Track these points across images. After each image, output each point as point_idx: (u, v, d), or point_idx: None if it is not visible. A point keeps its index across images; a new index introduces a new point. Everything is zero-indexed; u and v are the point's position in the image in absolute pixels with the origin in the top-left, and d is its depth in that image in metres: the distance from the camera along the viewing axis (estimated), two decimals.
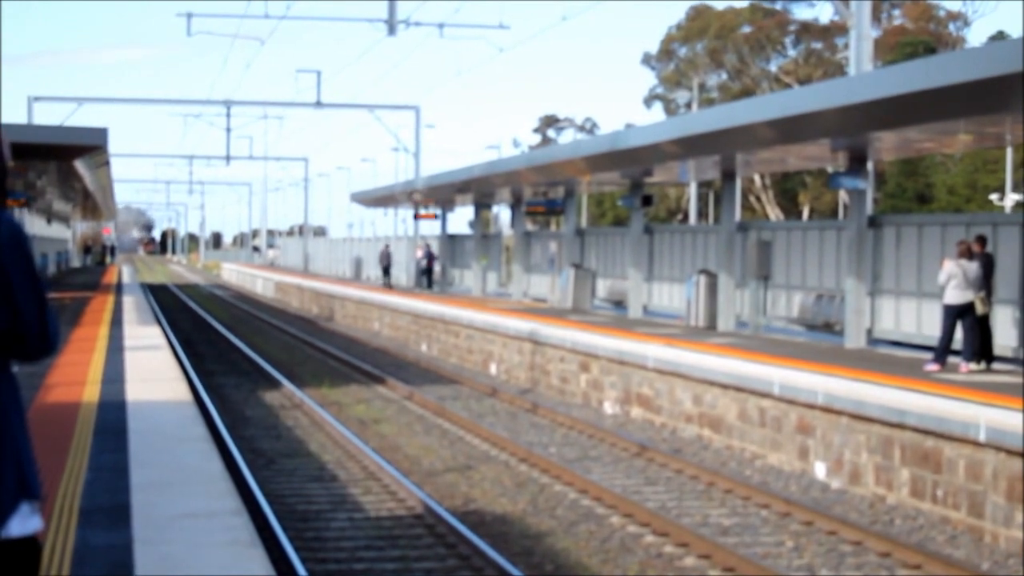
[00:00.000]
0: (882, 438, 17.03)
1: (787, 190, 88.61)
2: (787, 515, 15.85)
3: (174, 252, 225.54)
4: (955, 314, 20.06)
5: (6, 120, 38.95)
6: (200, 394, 25.96)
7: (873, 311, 26.05)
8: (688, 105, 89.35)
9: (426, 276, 54.74)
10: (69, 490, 10.88)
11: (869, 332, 25.82)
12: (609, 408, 25.93)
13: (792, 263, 29.55)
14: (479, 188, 44.39)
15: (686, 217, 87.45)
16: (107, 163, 46.03)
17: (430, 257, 55.17)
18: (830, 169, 28.21)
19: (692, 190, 73.38)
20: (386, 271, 59.00)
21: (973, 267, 20.04)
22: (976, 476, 15.20)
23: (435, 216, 56.18)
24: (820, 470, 18.44)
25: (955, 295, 20.02)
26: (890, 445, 16.85)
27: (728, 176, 31.24)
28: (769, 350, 23.72)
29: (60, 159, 37.03)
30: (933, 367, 19.89)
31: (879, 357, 22.92)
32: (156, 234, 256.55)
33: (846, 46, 69.48)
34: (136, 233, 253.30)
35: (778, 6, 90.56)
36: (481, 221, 53.34)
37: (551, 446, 21.38)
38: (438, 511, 15.14)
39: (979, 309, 20.04)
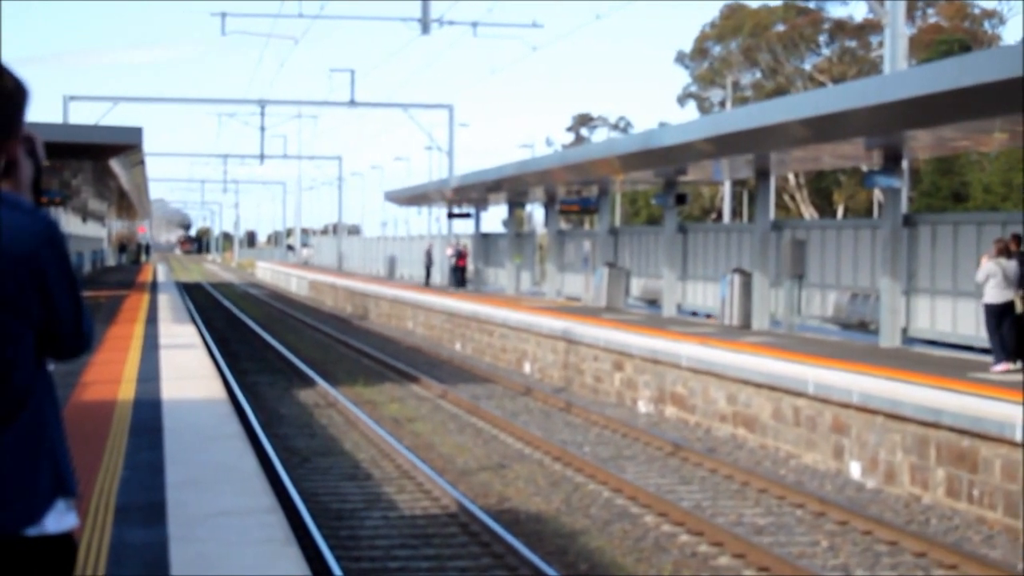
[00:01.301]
0: (917, 437, 16.93)
1: (821, 189, 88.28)
2: (822, 515, 15.78)
3: (208, 251, 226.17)
4: (997, 313, 19.87)
5: (41, 119, 39.15)
6: (235, 392, 26.03)
7: (908, 310, 25.91)
8: (722, 104, 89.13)
9: (456, 275, 54.68)
10: (105, 488, 10.91)
11: (904, 331, 25.70)
12: (643, 407, 25.89)
13: (827, 262, 29.43)
14: (512, 187, 44.36)
15: (720, 216, 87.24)
16: (142, 162, 46.24)
17: (459, 256, 55.08)
18: (864, 168, 28.07)
19: (726, 189, 73.20)
20: (428, 271, 59.01)
21: (1012, 265, 19.88)
22: (1012, 476, 15.09)
23: (469, 215, 56.14)
24: (855, 469, 18.35)
25: (995, 294, 19.86)
26: (925, 445, 16.76)
27: (762, 175, 31.14)
28: (803, 349, 23.63)
29: (95, 158, 37.17)
30: (1000, 368, 19.64)
31: (914, 356, 22.81)
32: (192, 232, 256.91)
33: (880, 44, 69.13)
34: (171, 233, 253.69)
35: (812, 4, 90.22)
36: (515, 220, 53.27)
37: (585, 445, 21.35)
38: (472, 510, 15.13)
39: (1020, 308, 19.88)
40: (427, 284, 57.64)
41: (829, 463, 19.03)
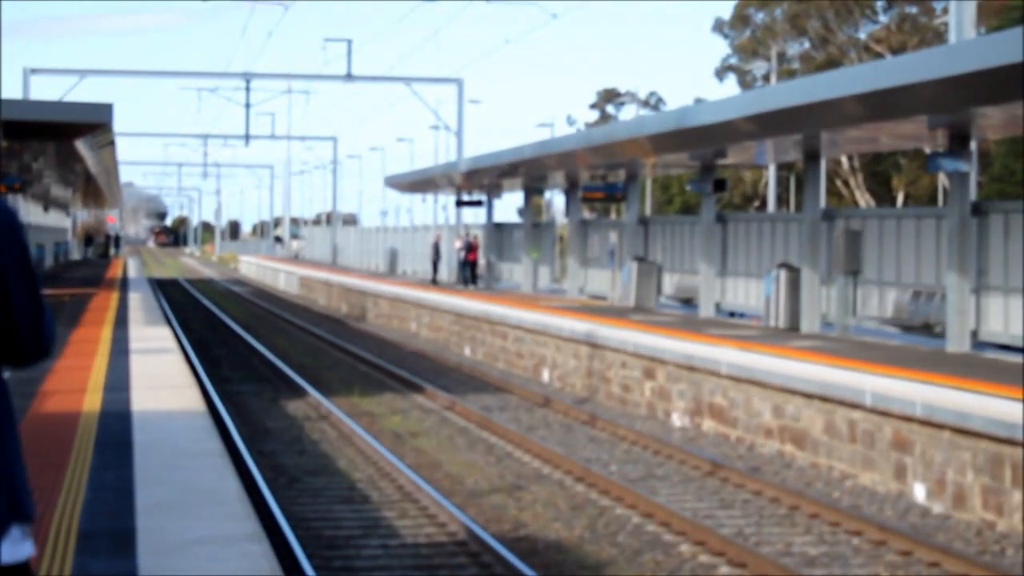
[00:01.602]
0: (990, 455, 16.86)
1: (878, 173, 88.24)
2: (882, 543, 15.73)
3: (186, 243, 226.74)
4: None
5: None
6: (215, 403, 26.05)
7: (978, 310, 25.85)
8: (766, 77, 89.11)
9: (465, 270, 54.67)
10: (66, 511, 10.90)
11: (974, 334, 25.63)
12: (677, 420, 25.86)
13: (885, 256, 29.37)
14: (529, 171, 44.37)
15: (764, 204, 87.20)
16: (112, 143, 46.31)
17: (470, 249, 55.04)
18: (927, 149, 28.03)
19: (771, 173, 73.16)
20: (435, 266, 59.07)
21: None
22: None
23: (480, 203, 56.14)
24: (919, 492, 18.30)
25: None
26: (1000, 464, 16.69)
27: (811, 157, 31.08)
28: (860, 355, 23.58)
29: (59, 138, 37.27)
30: None
31: (985, 363, 22.75)
32: (167, 222, 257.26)
33: (945, 11, 69.02)
34: (144, 223, 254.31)
35: None
36: (532, 208, 53.30)
37: (611, 463, 21.33)
38: (483, 537, 15.10)
39: None
40: (433, 281, 57.71)
41: (890, 484, 18.97)
